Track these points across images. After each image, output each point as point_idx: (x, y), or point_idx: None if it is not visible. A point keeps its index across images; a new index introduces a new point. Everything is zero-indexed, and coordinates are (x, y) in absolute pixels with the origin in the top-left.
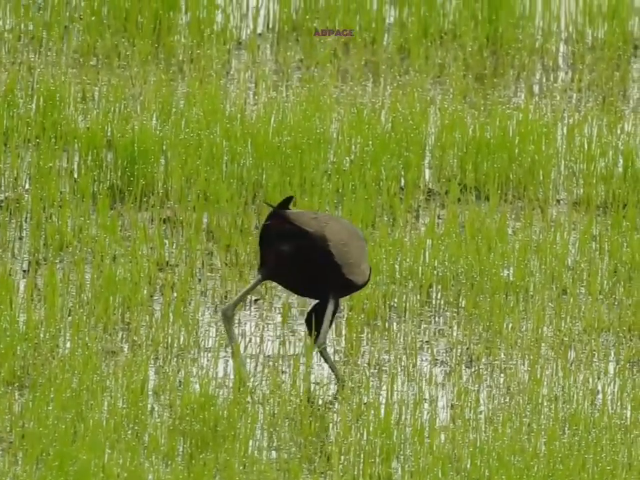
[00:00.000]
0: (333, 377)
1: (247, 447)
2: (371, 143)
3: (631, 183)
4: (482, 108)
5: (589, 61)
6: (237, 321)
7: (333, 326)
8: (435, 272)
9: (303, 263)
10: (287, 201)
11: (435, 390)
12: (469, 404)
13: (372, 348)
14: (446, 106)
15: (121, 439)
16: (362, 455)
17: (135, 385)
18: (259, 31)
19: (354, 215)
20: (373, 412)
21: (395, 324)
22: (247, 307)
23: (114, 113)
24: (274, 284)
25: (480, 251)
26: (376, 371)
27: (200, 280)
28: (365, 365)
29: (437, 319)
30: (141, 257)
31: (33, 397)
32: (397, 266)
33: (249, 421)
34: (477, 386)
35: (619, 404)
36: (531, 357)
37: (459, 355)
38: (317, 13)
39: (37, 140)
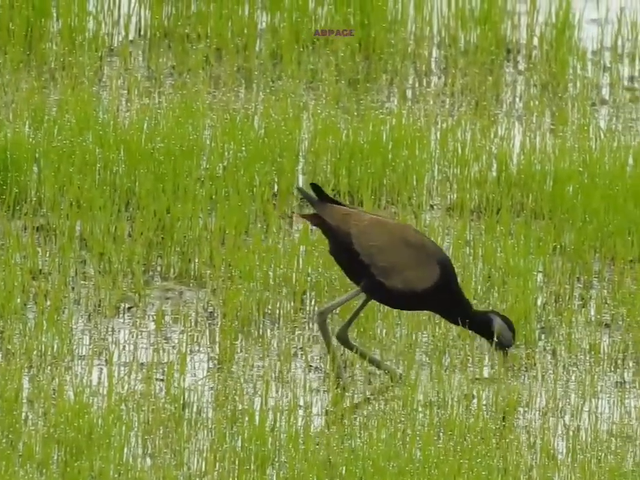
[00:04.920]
0: (212, 382)
1: (122, 454)
2: (244, 149)
3: (505, 188)
4: (355, 113)
5: (461, 65)
6: (111, 329)
7: (215, 332)
8: (309, 278)
9: (341, 253)
10: (317, 190)
11: (309, 396)
12: (344, 410)
13: (246, 355)
14: (319, 111)
15: None
16: (237, 462)
17: (9, 393)
18: (130, 37)
19: (227, 222)
20: (247, 419)
21: (268, 330)
22: (121, 315)
23: None
24: (152, 294)
25: None
26: (250, 377)
27: (73, 288)
28: (240, 372)
29: (311, 325)
30: (14, 265)
31: None
32: (270, 272)
33: (123, 429)
34: (351, 392)
35: (493, 409)
36: (406, 362)
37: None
38: (188, 19)
39: None
